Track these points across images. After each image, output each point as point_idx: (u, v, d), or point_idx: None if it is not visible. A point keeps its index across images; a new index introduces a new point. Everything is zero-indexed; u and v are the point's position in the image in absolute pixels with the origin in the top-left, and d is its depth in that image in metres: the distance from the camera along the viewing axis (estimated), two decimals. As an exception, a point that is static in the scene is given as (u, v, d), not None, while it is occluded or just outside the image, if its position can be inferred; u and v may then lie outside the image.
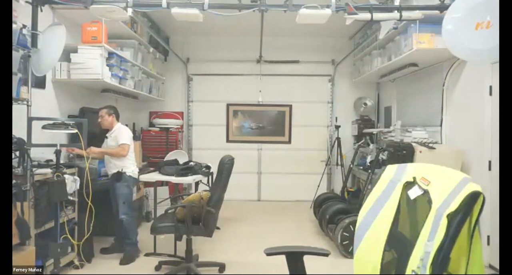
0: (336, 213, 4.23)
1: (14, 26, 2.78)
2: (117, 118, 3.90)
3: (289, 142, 6.77)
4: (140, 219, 4.91)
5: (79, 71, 3.90)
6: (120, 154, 3.68)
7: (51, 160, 3.20)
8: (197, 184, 4.72)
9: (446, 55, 3.90)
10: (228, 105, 6.77)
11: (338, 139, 6.12)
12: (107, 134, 3.85)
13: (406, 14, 3.37)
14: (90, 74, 3.92)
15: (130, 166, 3.80)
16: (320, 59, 6.73)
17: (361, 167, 5.71)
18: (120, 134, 3.78)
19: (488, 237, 3.42)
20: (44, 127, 3.03)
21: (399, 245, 1.28)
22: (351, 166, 5.37)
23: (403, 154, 3.84)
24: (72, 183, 3.17)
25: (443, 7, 3.25)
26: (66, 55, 3.82)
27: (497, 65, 3.37)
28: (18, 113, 2.85)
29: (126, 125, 4.19)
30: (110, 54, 4.17)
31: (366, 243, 1.40)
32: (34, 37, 3.02)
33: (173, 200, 4.81)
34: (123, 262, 3.58)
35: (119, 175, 3.70)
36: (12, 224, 2.57)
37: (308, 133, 6.73)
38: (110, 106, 3.90)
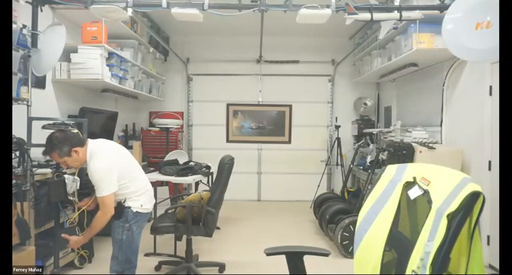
0: (336, 213, 4.23)
1: (14, 26, 2.78)
2: (82, 143, 2.43)
3: (289, 142, 6.77)
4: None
5: (79, 71, 3.90)
6: (106, 218, 2.37)
7: (51, 160, 3.20)
8: (197, 184, 4.72)
9: (446, 55, 3.90)
10: (228, 105, 6.77)
11: (338, 138, 6.11)
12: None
13: (406, 14, 3.37)
14: (90, 74, 3.91)
15: (137, 194, 2.52)
16: (320, 59, 6.72)
17: (361, 167, 5.70)
18: (94, 173, 2.34)
19: (488, 237, 3.42)
20: (44, 127, 3.02)
21: (399, 245, 1.28)
22: (351, 166, 5.37)
23: (403, 154, 3.84)
24: (72, 183, 3.16)
25: (443, 7, 3.26)
26: (66, 55, 3.82)
27: (497, 65, 3.37)
28: (18, 113, 2.84)
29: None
30: (110, 54, 4.16)
31: (366, 243, 1.40)
32: (34, 37, 3.01)
33: (173, 200, 4.80)
34: None
35: (119, 209, 2.47)
36: (12, 224, 2.57)
37: (308, 133, 6.73)
38: (60, 138, 2.37)
